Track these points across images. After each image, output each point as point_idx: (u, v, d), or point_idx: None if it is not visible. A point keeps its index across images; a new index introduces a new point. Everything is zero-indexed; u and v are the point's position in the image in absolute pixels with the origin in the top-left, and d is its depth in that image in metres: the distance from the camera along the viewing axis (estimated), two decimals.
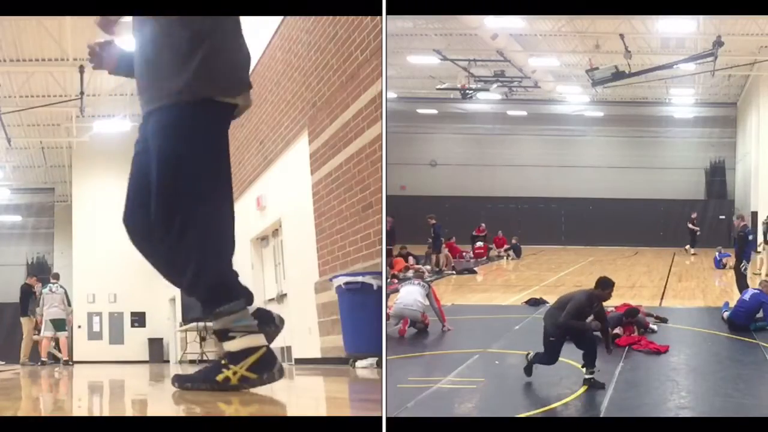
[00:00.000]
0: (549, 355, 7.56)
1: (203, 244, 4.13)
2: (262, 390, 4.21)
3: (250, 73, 4.60)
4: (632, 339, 9.54)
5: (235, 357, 4.12)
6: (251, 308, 4.34)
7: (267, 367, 4.15)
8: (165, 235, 4.15)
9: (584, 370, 7.36)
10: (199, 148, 4.19)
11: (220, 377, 4.10)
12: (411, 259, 19.13)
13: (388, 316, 10.32)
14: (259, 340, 4.19)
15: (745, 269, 13.97)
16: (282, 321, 4.51)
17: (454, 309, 12.08)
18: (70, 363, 19.00)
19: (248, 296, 4.29)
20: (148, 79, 4.30)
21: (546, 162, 31.08)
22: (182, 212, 4.12)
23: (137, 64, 4.38)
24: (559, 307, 7.55)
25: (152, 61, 4.27)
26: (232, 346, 4.13)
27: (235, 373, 4.09)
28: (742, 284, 13.16)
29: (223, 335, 4.17)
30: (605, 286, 7.56)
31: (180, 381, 4.31)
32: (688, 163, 30.66)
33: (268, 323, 4.41)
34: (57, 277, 20.21)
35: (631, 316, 10.07)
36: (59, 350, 19.34)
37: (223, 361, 4.15)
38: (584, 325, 7.53)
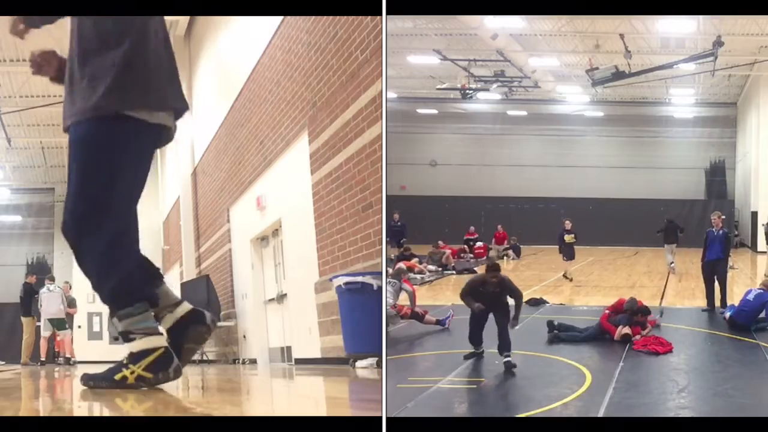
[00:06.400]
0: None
1: (103, 253, 4.39)
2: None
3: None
4: (647, 340, 9.49)
5: (135, 357, 4.41)
6: (186, 308, 4.67)
7: (162, 366, 4.41)
8: (75, 243, 4.44)
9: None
10: (108, 164, 4.36)
11: (118, 376, 4.40)
12: (414, 260, 19.08)
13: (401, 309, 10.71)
14: (157, 341, 4.46)
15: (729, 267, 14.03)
16: (214, 322, 4.79)
17: (454, 309, 12.04)
18: (71, 362, 19.01)
19: (152, 300, 4.57)
20: (68, 94, 4.47)
21: (546, 162, 31.05)
22: (87, 222, 4.37)
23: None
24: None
25: (70, 76, 4.46)
26: (133, 346, 4.43)
27: (132, 372, 4.38)
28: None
29: (125, 336, 4.47)
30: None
31: (85, 379, 4.59)
32: (688, 163, 30.64)
33: (201, 323, 4.69)
34: (52, 279, 20.35)
35: (644, 314, 10.08)
36: (59, 350, 19.36)
37: (124, 361, 4.43)
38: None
